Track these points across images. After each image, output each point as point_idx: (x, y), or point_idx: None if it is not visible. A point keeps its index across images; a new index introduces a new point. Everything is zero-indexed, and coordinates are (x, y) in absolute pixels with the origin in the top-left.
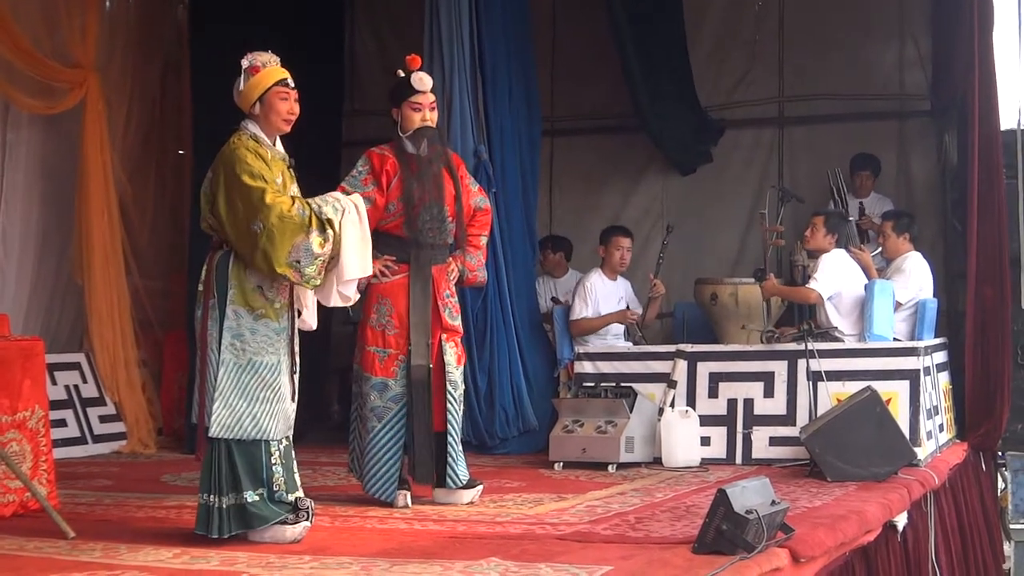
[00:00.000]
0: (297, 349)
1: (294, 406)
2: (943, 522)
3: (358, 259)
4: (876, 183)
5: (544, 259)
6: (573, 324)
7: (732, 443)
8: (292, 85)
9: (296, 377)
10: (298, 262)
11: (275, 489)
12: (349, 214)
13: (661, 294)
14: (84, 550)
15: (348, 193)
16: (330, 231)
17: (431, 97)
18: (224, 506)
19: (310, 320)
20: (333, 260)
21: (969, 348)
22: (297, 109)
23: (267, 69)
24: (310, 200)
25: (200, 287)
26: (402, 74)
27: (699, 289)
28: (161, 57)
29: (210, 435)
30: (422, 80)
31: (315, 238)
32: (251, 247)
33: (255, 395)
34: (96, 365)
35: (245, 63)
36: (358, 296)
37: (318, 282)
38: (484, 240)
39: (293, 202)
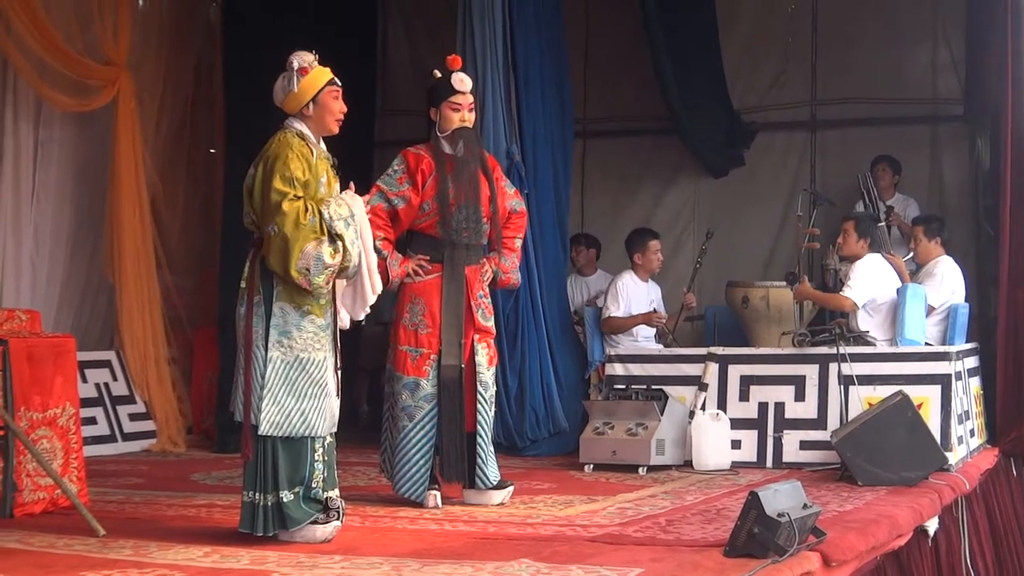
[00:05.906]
0: (339, 345)
1: (338, 402)
2: (975, 527)
3: (376, 279)
4: (900, 183)
5: (576, 255)
6: (604, 322)
7: (763, 446)
8: (339, 84)
9: (339, 373)
10: (307, 270)
11: (313, 486)
12: (363, 231)
13: (692, 307)
14: (114, 548)
15: (383, 191)
16: (339, 243)
17: (470, 98)
18: (268, 504)
19: (344, 318)
20: (343, 271)
21: (1001, 353)
22: (345, 108)
23: (316, 69)
24: (322, 208)
25: (243, 284)
26: (439, 74)
27: (730, 292)
28: (193, 55)
29: (260, 433)
30: (462, 81)
31: (326, 248)
32: (268, 247)
33: (304, 392)
34: (127, 363)
35: (295, 63)
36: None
37: (324, 291)
38: (519, 243)
39: (307, 209)
